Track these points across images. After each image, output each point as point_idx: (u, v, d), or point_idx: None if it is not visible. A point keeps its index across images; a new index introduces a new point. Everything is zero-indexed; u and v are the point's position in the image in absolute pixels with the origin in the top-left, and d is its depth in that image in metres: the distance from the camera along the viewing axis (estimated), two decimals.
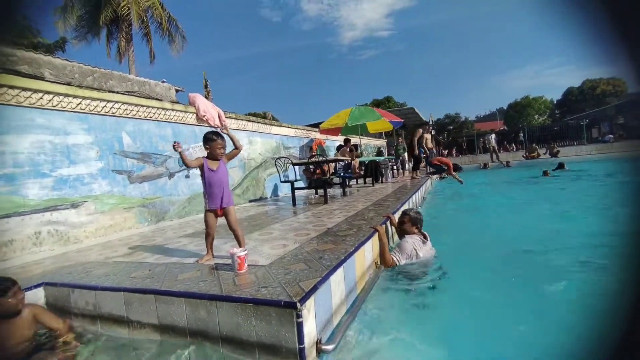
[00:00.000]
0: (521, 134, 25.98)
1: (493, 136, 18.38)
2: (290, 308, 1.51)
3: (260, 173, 8.15)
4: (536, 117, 40.11)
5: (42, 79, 3.64)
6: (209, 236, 2.53)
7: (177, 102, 5.67)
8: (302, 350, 1.49)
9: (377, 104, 35.70)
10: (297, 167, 9.04)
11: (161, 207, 5.06)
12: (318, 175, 7.15)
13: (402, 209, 4.82)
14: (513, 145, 25.79)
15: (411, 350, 1.79)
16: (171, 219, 5.18)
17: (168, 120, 5.32)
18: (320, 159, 6.71)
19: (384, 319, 2.15)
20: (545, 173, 10.84)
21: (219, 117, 6.74)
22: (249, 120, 7.83)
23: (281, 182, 6.70)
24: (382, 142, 20.07)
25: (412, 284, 2.61)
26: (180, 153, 2.42)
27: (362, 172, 9.38)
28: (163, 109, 5.19)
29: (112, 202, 4.28)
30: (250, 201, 7.51)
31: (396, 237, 3.78)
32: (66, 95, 3.83)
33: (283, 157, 7.13)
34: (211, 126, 6.78)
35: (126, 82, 4.70)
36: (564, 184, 8.90)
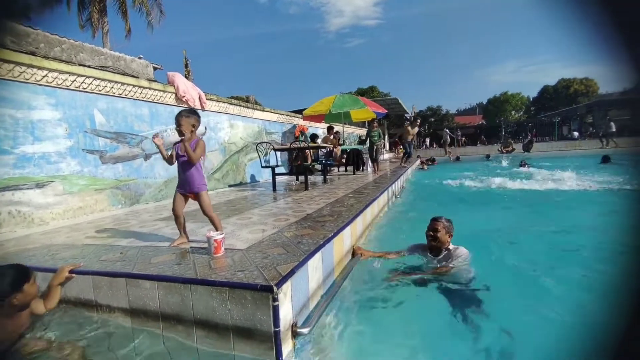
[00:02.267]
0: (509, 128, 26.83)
1: (447, 131, 20.47)
2: (267, 292, 1.50)
3: (241, 158, 8.00)
4: (513, 112, 41.42)
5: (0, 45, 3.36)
6: (177, 218, 2.45)
7: (155, 81, 5.42)
8: (277, 334, 1.49)
9: (361, 92, 35.64)
10: (279, 153, 8.94)
11: (136, 190, 4.88)
12: (299, 162, 7.10)
13: (381, 197, 4.89)
14: (483, 138, 26.61)
15: (384, 336, 1.84)
16: (147, 202, 5.01)
17: (145, 99, 5.08)
18: (303, 145, 6.65)
19: (361, 304, 2.19)
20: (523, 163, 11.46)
21: (200, 98, 6.56)
22: (231, 104, 7.61)
23: (262, 167, 6.61)
24: (364, 132, 20.14)
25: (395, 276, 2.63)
26: (158, 147, 2.32)
27: (344, 160, 9.39)
28: (139, 87, 4.94)
29: (82, 183, 4.08)
30: (230, 186, 7.38)
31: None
32: (30, 66, 3.55)
33: (265, 142, 7.01)
34: (190, 107, 6.56)
35: (99, 56, 4.42)
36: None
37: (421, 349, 1.78)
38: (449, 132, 20.90)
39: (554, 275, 2.73)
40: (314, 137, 9.81)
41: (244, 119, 8.15)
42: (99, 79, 4.27)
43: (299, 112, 10.91)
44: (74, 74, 3.97)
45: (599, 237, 3.88)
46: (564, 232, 4.16)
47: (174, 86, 5.67)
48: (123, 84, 4.60)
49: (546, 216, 5.22)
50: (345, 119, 10.88)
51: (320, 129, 12.07)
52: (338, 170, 10.18)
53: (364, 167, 9.51)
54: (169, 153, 2.48)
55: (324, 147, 7.30)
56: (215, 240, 2.05)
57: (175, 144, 2.48)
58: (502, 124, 28.49)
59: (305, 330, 1.63)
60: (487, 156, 19.14)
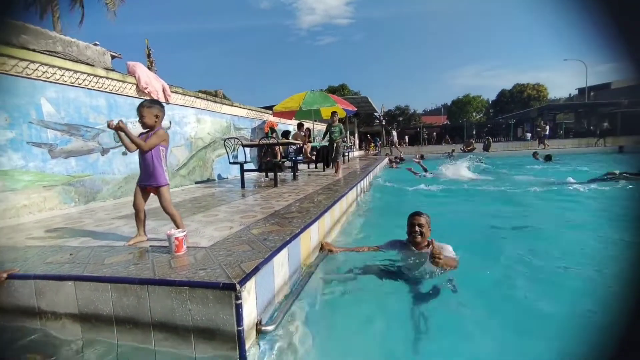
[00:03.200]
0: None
1: (394, 132, 21.97)
2: (229, 290, 1.45)
3: (208, 154, 7.74)
4: (474, 114, 43.71)
5: None
6: (137, 213, 2.31)
7: (113, 70, 5.07)
8: (240, 333, 1.45)
9: (332, 90, 35.84)
10: (247, 149, 8.76)
11: (92, 186, 4.55)
12: (269, 159, 7.00)
13: (350, 193, 4.95)
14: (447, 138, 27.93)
15: (352, 332, 1.85)
16: (104, 200, 4.70)
17: (102, 89, 4.74)
18: (272, 141, 6.56)
19: (329, 299, 2.19)
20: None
21: (164, 90, 6.23)
22: (198, 97, 7.32)
23: (230, 163, 6.44)
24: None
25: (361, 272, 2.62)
26: (121, 129, 2.15)
27: (314, 157, 9.40)
28: (95, 75, 4.59)
29: (26, 179, 3.73)
30: (197, 182, 7.12)
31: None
32: None
33: (233, 138, 6.83)
34: (153, 99, 6.21)
35: (46, 40, 4.03)
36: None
37: (391, 346, 1.80)
38: (395, 133, 22.30)
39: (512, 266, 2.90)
40: (286, 133, 9.71)
41: (211, 113, 7.88)
42: (46, 64, 3.91)
43: (269, 108, 10.74)
44: (14, 57, 3.60)
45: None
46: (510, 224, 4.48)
47: (134, 77, 5.34)
48: (76, 71, 4.25)
49: (506, 208, 5.61)
50: (316, 116, 10.87)
51: (291, 125, 11.98)
52: (308, 167, 10.18)
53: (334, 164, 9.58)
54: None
55: (294, 144, 7.25)
56: (177, 238, 1.96)
57: (140, 135, 2.32)
58: (465, 125, 30.02)
59: (270, 328, 1.60)
60: (449, 154, 20.29)
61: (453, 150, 20.66)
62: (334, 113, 7.73)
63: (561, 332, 1.83)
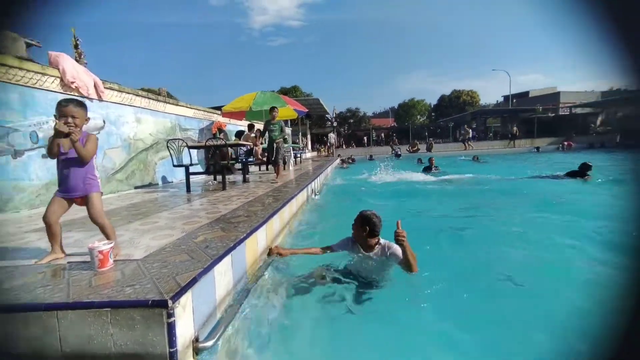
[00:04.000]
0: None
1: (332, 134, 23.00)
2: (160, 307, 1.30)
3: (150, 156, 7.16)
4: (418, 117, 46.59)
5: None
6: (49, 227, 1.97)
7: (30, 60, 4.42)
8: (173, 355, 1.31)
9: (284, 92, 35.66)
10: (195, 151, 8.27)
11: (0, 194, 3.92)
12: (217, 161, 6.67)
13: (300, 194, 4.90)
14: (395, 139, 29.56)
15: (300, 339, 1.78)
16: (17, 210, 4.07)
17: (13, 81, 4.10)
18: (220, 142, 6.26)
19: (277, 306, 2.10)
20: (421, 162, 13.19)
21: (95, 86, 5.59)
22: (137, 95, 6.73)
23: (174, 166, 6.02)
24: (287, 130, 20.18)
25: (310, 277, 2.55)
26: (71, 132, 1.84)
27: (265, 159, 9.20)
28: (4, 65, 3.96)
29: None
30: (137, 187, 6.54)
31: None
32: None
33: (177, 139, 6.39)
34: (82, 95, 5.59)
35: None
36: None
37: (344, 353, 1.75)
38: (334, 136, 23.30)
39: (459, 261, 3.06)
40: (240, 134, 9.36)
41: (153, 113, 7.31)
42: None
43: (219, 108, 10.30)
44: None
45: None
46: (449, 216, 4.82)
47: (58, 69, 4.72)
48: None
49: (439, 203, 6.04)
50: (267, 117, 10.65)
51: (242, 126, 11.62)
52: (260, 169, 9.94)
53: (286, 166, 9.48)
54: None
55: (243, 145, 7.00)
56: (100, 252, 1.72)
57: (54, 138, 2.00)
58: (410, 127, 31.91)
59: (209, 344, 1.47)
60: (397, 155, 21.50)
61: (398, 152, 22.01)
62: (272, 108, 6.56)
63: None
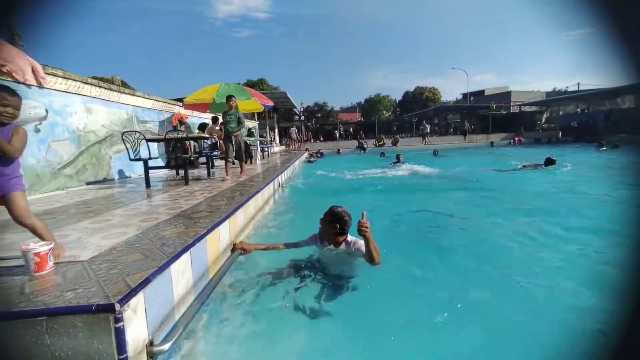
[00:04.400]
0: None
1: (293, 129, 23.74)
2: (106, 312, 1.18)
3: (103, 149, 6.65)
4: (384, 112, 47.73)
5: None
6: None
7: None
8: None
9: (251, 85, 34.75)
10: (155, 145, 7.80)
11: None
12: (178, 154, 6.34)
13: (266, 188, 4.80)
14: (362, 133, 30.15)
15: (261, 342, 1.71)
16: None
17: None
18: (181, 135, 5.95)
19: (239, 306, 2.02)
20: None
21: (34, 71, 5.04)
22: (86, 83, 6.17)
23: (130, 160, 5.63)
24: (253, 124, 19.74)
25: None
26: None
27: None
28: None
29: None
30: (89, 183, 6.05)
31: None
32: None
33: (133, 131, 5.97)
34: (16, 81, 5.03)
35: None
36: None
37: (309, 353, 1.68)
38: (295, 130, 23.82)
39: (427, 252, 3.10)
40: (203, 126, 8.96)
41: (106, 103, 6.77)
42: None
43: (181, 100, 9.79)
44: None
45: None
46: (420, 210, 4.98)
47: None
48: None
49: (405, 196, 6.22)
50: None
51: (206, 119, 11.16)
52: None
53: (252, 160, 9.26)
54: None
55: (207, 138, 6.72)
56: (36, 254, 1.54)
57: None
58: (376, 122, 32.62)
59: (165, 347, 1.38)
60: (363, 149, 22.10)
61: (365, 148, 22.41)
62: (228, 97, 5.74)
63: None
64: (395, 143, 24.44)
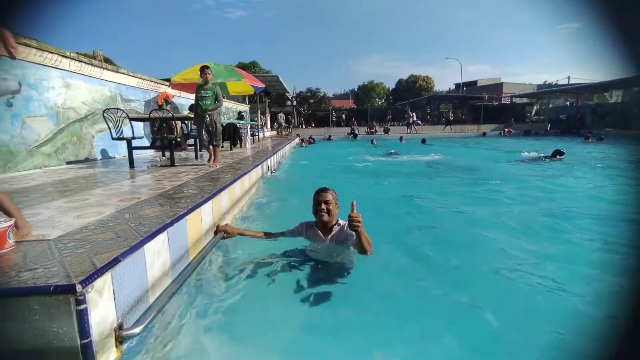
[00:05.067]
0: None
1: (281, 115, 23.95)
2: (66, 293, 1.07)
3: (85, 128, 6.38)
4: (377, 100, 47.43)
5: None
6: None
7: None
8: (87, 346, 1.10)
9: (243, 67, 33.86)
10: (140, 124, 7.52)
11: None
12: (164, 135, 6.11)
13: (254, 171, 4.68)
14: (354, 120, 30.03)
15: (242, 329, 1.62)
16: None
17: None
18: (167, 114, 5.73)
19: (219, 293, 1.92)
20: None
21: (3, 39, 4.72)
22: (64, 56, 5.83)
23: (112, 139, 5.40)
24: (244, 107, 19.34)
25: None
26: None
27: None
28: None
29: None
30: (69, 162, 5.81)
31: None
32: None
33: (115, 109, 5.70)
34: None
35: None
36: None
37: (291, 344, 1.57)
38: (283, 116, 23.92)
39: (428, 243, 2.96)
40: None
41: (88, 79, 6.45)
42: None
43: (169, 80, 9.43)
44: None
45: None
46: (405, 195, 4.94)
47: None
48: None
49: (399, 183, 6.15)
50: (222, 91, 10.01)
51: (193, 100, 10.84)
52: None
53: (242, 143, 9.07)
54: None
55: (193, 119, 6.49)
56: None
57: None
58: (369, 109, 32.41)
59: (136, 331, 1.28)
60: (355, 136, 22.04)
61: (356, 135, 22.31)
62: (203, 69, 4.87)
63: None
64: (387, 131, 24.36)
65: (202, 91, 4.87)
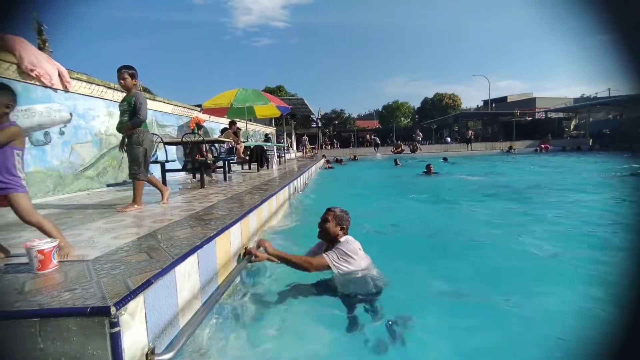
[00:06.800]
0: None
1: (305, 138, 25.86)
2: (101, 315, 1.09)
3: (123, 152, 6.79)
4: (402, 119, 47.21)
5: None
6: None
7: None
8: None
9: (269, 91, 35.27)
10: (173, 148, 7.93)
11: None
12: (197, 156, 6.37)
13: (281, 193, 4.71)
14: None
15: (270, 351, 1.58)
16: None
17: None
18: (198, 138, 5.99)
19: (249, 315, 1.89)
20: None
21: (60, 75, 5.22)
22: (109, 87, 6.35)
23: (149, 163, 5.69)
24: (271, 130, 19.90)
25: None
26: None
27: (247, 157, 8.97)
28: None
29: None
30: (109, 185, 6.17)
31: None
32: None
33: (152, 134, 6.05)
34: (44, 85, 5.21)
35: None
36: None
37: None
38: (307, 139, 26.27)
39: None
40: (224, 131, 9.10)
41: None
42: None
43: (200, 106, 9.98)
44: None
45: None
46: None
47: (14, 55, 4.34)
48: None
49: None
50: (250, 115, 10.39)
51: (224, 124, 11.32)
52: (242, 168, 9.68)
53: (268, 165, 9.25)
54: None
55: (223, 142, 6.74)
56: (40, 252, 1.48)
57: None
58: (394, 129, 32.25)
59: (167, 357, 1.27)
60: (377, 145, 23.99)
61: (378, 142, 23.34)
62: (120, 70, 3.46)
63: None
64: (414, 150, 23.76)
65: (119, 105, 3.66)
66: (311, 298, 2.17)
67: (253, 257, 2.40)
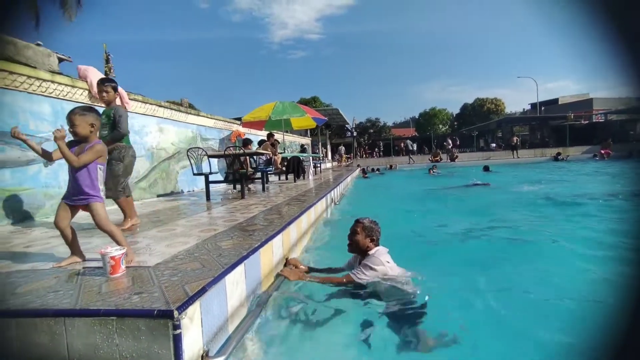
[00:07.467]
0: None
1: (341, 147, 26.40)
2: (165, 318, 1.22)
3: (172, 165, 7.33)
4: (440, 126, 45.74)
5: None
6: (61, 233, 2.02)
7: (60, 74, 4.65)
8: None
9: (304, 102, 36.09)
10: (215, 160, 8.41)
11: (31, 201, 4.07)
12: (238, 168, 6.72)
13: (319, 204, 4.80)
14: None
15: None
16: (47, 216, 4.20)
17: (45, 94, 4.31)
18: (239, 151, 6.31)
19: (292, 323, 1.97)
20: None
21: (121, 97, 5.83)
22: (160, 106, 6.96)
23: (194, 174, 6.10)
24: (306, 140, 20.29)
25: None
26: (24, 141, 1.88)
27: (284, 168, 9.23)
28: (37, 78, 4.17)
29: None
30: (159, 196, 6.69)
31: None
32: None
33: (197, 148, 6.50)
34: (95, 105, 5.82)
35: None
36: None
37: None
38: (343, 148, 27.57)
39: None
40: (246, 142, 9.50)
41: (175, 123, 7.52)
42: None
43: (239, 119, 10.51)
44: None
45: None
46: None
47: (86, 82, 4.94)
48: (11, 72, 3.83)
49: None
50: (286, 126, 10.74)
51: (261, 136, 11.79)
52: (279, 179, 9.98)
53: (305, 175, 9.44)
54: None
55: (262, 154, 7.03)
56: (112, 258, 1.69)
57: (71, 147, 2.03)
58: (432, 137, 31.25)
59: (221, 359, 1.38)
60: (412, 152, 22.67)
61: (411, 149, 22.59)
62: (100, 82, 3.49)
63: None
64: (453, 158, 22.88)
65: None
66: (347, 305, 2.21)
67: (285, 278, 2.35)
